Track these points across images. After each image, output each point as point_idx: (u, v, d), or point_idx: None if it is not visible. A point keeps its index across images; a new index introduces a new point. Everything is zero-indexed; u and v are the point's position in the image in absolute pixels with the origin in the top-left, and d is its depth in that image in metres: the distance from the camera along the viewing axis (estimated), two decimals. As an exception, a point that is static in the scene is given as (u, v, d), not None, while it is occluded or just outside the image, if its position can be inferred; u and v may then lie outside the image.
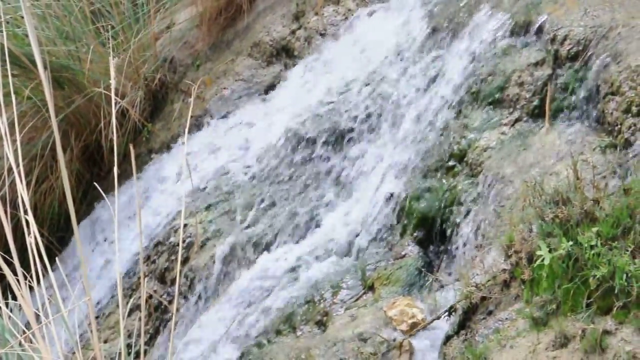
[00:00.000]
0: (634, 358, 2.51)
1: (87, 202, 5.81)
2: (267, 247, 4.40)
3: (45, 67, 4.93)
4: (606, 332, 2.61)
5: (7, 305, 2.84)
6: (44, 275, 2.63)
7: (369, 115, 4.53)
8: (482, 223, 3.55)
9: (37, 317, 2.56)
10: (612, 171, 3.22)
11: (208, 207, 4.79)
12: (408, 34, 4.72)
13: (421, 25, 4.65)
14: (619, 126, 3.34)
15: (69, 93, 5.65)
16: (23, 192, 2.46)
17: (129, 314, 4.51)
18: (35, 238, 2.50)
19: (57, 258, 3.72)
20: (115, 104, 5.40)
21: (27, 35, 5.33)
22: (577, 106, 3.62)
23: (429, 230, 3.86)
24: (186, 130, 5.07)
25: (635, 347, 2.53)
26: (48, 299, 2.75)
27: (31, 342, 2.49)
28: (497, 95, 3.91)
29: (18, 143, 2.65)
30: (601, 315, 2.66)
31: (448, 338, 3.22)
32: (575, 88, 3.65)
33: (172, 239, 4.80)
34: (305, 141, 4.69)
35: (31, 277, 2.59)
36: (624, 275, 2.60)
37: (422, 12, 4.74)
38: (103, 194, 3.45)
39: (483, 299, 3.12)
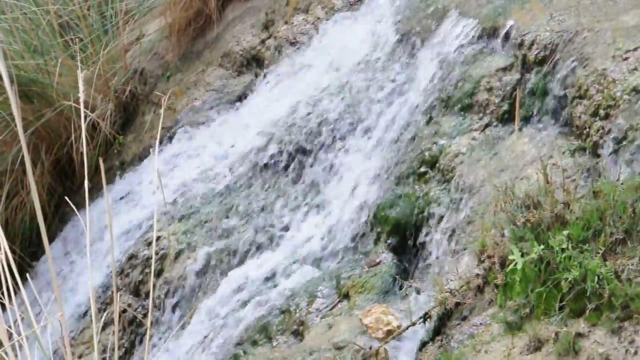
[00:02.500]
0: (607, 360, 2.54)
1: (59, 216, 5.76)
2: (241, 258, 4.39)
3: (12, 81, 4.90)
4: (579, 335, 2.63)
5: (-22, 323, 2.80)
6: (15, 293, 2.60)
7: (340, 124, 4.53)
8: (455, 229, 3.57)
9: (9, 334, 2.53)
10: (582, 174, 3.25)
11: (181, 219, 4.77)
12: (377, 41, 4.74)
13: (390, 32, 4.67)
14: (588, 129, 3.37)
15: (38, 107, 5.61)
16: (-7, 209, 2.44)
17: (104, 329, 4.48)
18: (6, 254, 2.47)
19: (28, 274, 3.69)
20: (85, 117, 5.36)
21: (-6, 50, 5.28)
22: (546, 110, 3.65)
23: (403, 237, 3.87)
24: (157, 142, 5.04)
25: (607, 348, 2.56)
26: (20, 316, 2.72)
27: (4, 361, 2.46)
28: (466, 101, 3.93)
29: (-13, 159, 2.63)
30: (574, 317, 2.68)
31: (423, 344, 3.23)
32: (543, 92, 3.67)
33: (145, 252, 4.77)
34: (278, 150, 4.68)
35: (2, 294, 2.56)
36: (596, 278, 2.62)
37: (391, 19, 4.77)
38: (74, 208, 3.43)
39: (457, 304, 3.14)
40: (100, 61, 5.67)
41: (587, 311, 2.64)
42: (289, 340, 3.73)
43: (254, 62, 5.52)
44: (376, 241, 3.93)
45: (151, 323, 4.37)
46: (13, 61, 5.45)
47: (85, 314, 4.87)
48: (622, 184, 2.88)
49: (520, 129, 3.70)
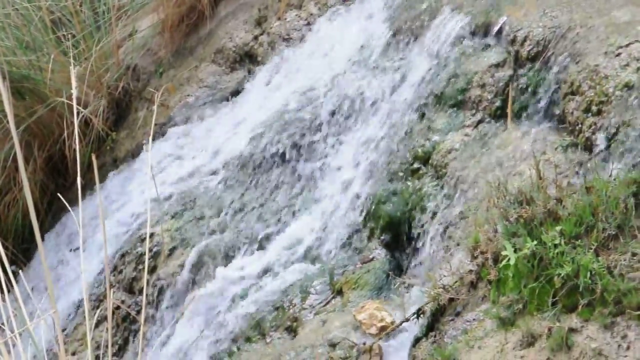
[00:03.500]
0: (600, 355, 2.54)
1: (52, 213, 5.76)
2: (235, 254, 4.39)
3: (4, 78, 4.89)
4: (572, 330, 2.63)
5: (-29, 320, 2.80)
6: (8, 290, 2.60)
7: (333, 120, 4.53)
8: (448, 225, 3.58)
9: (2, 331, 2.53)
10: (574, 170, 3.25)
11: (174, 215, 4.76)
12: (370, 38, 4.74)
13: (383, 29, 4.67)
14: (580, 125, 3.37)
15: (30, 103, 5.59)
16: (-15, 206, 2.43)
17: (97, 325, 4.48)
18: (-1, 251, 2.47)
19: (20, 271, 3.68)
20: (78, 113, 5.35)
21: (-15, 46, 5.27)
22: (539, 106, 3.66)
23: (396, 233, 3.87)
24: (150, 138, 5.04)
25: (600, 344, 2.56)
26: (13, 312, 2.72)
27: (-3, 358, 2.45)
28: (459, 97, 3.94)
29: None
30: (567, 313, 2.68)
31: (417, 340, 3.24)
32: (536, 88, 3.68)
33: (139, 249, 4.77)
34: (271, 147, 4.68)
35: (-5, 291, 2.55)
36: (588, 273, 2.62)
37: (384, 16, 4.77)
38: (67, 205, 3.42)
39: (451, 300, 3.14)
40: (92, 57, 5.66)
41: (580, 307, 2.64)
42: (283, 336, 3.73)
43: (247, 59, 5.52)
44: (370, 237, 3.94)
45: (145, 319, 4.37)
46: (5, 57, 5.44)
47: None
48: (614, 179, 2.88)
49: (512, 125, 3.70)
